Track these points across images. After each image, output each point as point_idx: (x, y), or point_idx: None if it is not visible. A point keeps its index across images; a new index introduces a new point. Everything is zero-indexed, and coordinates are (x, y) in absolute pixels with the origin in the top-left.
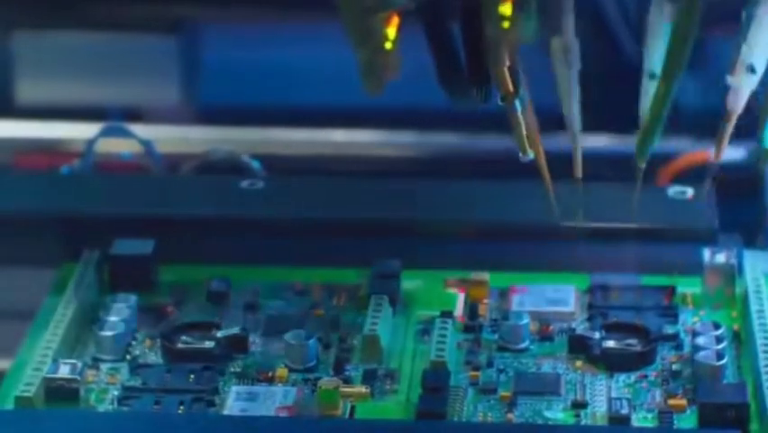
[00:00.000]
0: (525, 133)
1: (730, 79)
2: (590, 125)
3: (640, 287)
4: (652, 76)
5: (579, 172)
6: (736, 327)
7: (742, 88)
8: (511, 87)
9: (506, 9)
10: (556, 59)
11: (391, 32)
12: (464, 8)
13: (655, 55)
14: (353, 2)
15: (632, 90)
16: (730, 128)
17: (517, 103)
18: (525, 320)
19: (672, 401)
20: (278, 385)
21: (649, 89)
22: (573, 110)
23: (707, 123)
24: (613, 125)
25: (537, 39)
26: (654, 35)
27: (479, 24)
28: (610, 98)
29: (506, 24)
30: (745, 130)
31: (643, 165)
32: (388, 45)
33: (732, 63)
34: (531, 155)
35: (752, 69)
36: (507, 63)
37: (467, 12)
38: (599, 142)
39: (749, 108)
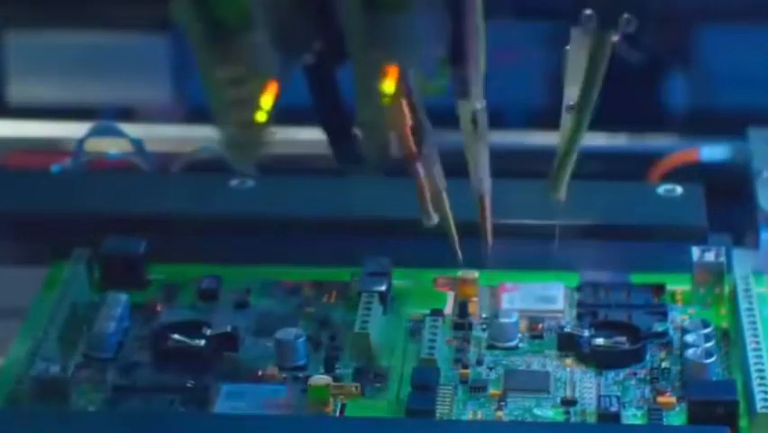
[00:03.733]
0: (429, 197)
1: None
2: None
3: (629, 285)
4: (570, 108)
5: (489, 240)
6: (724, 324)
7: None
8: (414, 148)
9: (388, 87)
10: (465, 127)
11: (266, 101)
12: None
13: (573, 88)
14: (216, 73)
15: (624, 90)
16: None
17: (419, 166)
18: (515, 318)
19: (661, 399)
20: (269, 384)
21: (566, 122)
22: (483, 175)
23: (695, 121)
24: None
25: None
26: (573, 67)
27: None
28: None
29: (387, 101)
30: (735, 129)
31: (560, 198)
32: (262, 117)
33: None
34: (435, 220)
35: None
36: (410, 122)
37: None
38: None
39: (741, 108)
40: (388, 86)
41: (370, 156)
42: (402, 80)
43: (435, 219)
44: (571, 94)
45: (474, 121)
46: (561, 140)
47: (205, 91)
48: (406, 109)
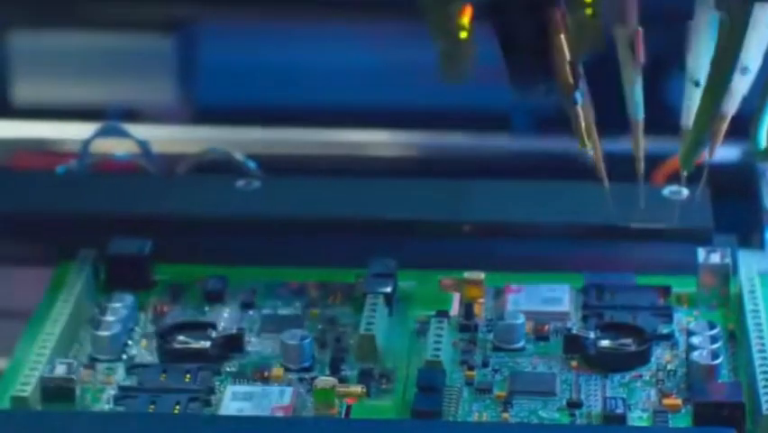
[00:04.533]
0: (583, 125)
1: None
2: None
3: (635, 287)
4: (696, 83)
5: (640, 168)
6: (730, 326)
7: (735, 90)
8: (571, 80)
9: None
10: (622, 49)
11: (466, 21)
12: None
13: (699, 62)
14: None
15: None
16: (723, 128)
17: (578, 95)
18: (521, 320)
19: (666, 401)
20: (275, 385)
21: (693, 96)
22: (636, 101)
23: None
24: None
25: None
26: (698, 41)
27: (544, 18)
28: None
29: (589, 11)
30: (740, 129)
31: (687, 173)
32: (464, 34)
33: None
34: (590, 147)
35: (744, 71)
36: (569, 58)
37: (534, 5)
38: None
39: (744, 108)
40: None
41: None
42: (561, 16)
43: (590, 147)
44: (696, 69)
45: (632, 46)
46: (686, 114)
47: (423, 12)
48: (564, 43)
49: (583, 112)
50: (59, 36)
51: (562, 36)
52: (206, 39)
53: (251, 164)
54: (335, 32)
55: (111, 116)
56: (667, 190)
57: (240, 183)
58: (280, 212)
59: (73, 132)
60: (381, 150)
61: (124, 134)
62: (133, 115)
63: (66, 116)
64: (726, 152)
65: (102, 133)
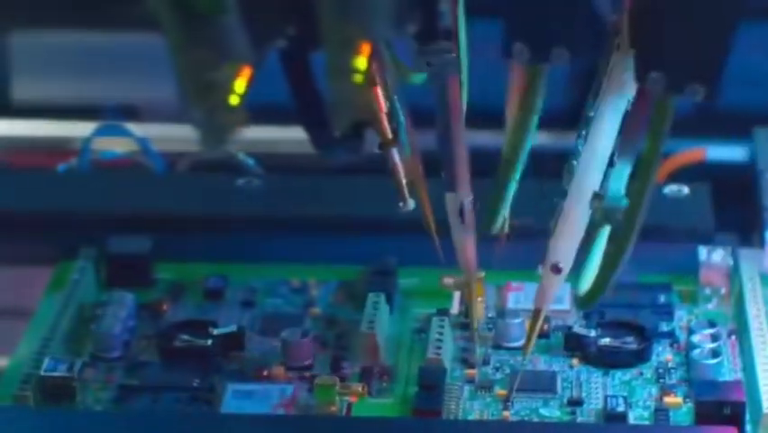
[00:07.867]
0: (404, 181)
1: (541, 272)
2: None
3: (636, 285)
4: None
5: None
6: (731, 325)
7: (549, 287)
8: (390, 135)
9: (360, 63)
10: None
11: (240, 85)
12: None
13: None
14: (188, 56)
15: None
16: (537, 326)
17: (395, 151)
18: (521, 318)
19: (667, 399)
20: (275, 383)
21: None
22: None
23: (701, 121)
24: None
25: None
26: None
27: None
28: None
29: (359, 78)
30: (740, 130)
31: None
32: (234, 100)
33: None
34: (411, 205)
35: (557, 269)
36: (384, 109)
37: None
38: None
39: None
40: (361, 62)
41: (342, 131)
42: (377, 66)
43: (412, 204)
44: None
45: (461, 213)
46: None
47: (176, 73)
48: (380, 95)
49: (405, 166)
50: (59, 34)
51: (378, 89)
52: None
53: (252, 162)
54: None
55: (111, 115)
56: (668, 189)
57: (240, 182)
58: (281, 210)
59: (74, 130)
60: None
61: (125, 133)
62: (134, 113)
63: (66, 115)
64: (727, 152)
65: (102, 132)
